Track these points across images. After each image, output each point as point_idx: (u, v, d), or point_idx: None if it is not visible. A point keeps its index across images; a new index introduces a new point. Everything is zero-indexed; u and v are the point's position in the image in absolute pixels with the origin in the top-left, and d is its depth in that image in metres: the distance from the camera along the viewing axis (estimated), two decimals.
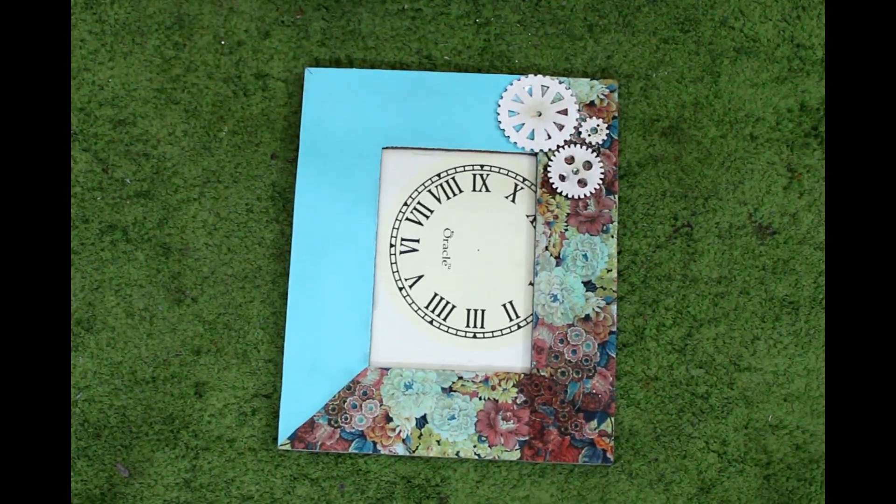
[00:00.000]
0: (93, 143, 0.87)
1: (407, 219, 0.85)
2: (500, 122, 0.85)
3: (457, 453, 0.80)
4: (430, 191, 0.85)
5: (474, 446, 0.80)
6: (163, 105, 0.87)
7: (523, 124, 0.85)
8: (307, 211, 0.84)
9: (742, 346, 0.83)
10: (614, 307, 0.82)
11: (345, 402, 0.80)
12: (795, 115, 0.87)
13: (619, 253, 0.84)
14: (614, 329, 0.81)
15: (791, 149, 0.86)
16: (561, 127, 0.85)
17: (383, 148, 0.85)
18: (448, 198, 0.85)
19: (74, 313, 0.84)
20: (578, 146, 0.84)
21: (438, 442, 0.80)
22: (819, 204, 0.85)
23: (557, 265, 0.82)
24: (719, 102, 0.87)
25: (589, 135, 0.85)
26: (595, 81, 0.86)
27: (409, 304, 0.83)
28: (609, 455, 0.80)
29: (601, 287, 0.82)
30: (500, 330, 0.83)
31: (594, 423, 0.80)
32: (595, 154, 0.84)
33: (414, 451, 0.80)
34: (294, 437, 0.80)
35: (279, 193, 0.86)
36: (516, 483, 0.81)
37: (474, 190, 0.86)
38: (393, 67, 0.88)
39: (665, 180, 0.86)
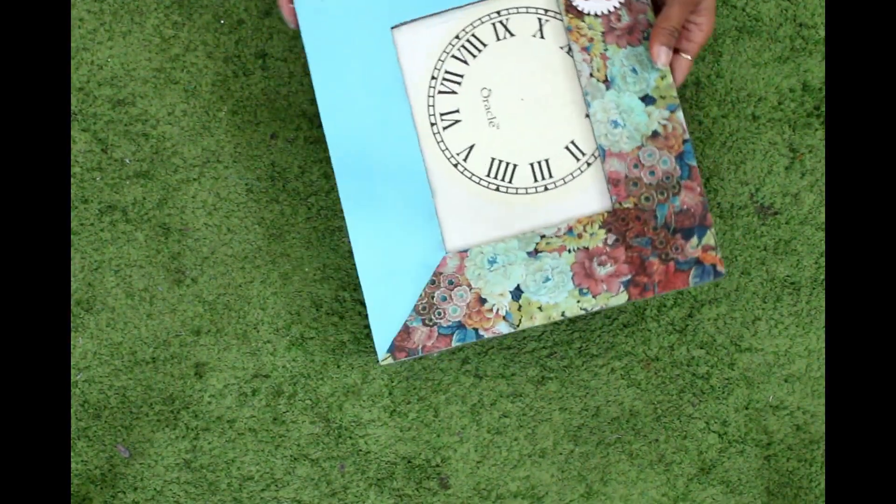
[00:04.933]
0: (92, 123, 0.86)
1: (440, 92, 0.79)
2: None
3: (562, 314, 0.75)
4: (453, 56, 0.79)
5: (577, 301, 0.75)
6: (162, 85, 0.87)
7: None
8: (335, 118, 0.78)
9: (743, 326, 0.83)
10: (680, 114, 0.75)
11: (433, 297, 0.76)
12: (797, 94, 0.86)
13: None
14: (687, 137, 0.75)
15: (793, 129, 0.86)
16: None
17: (392, 28, 0.79)
18: (474, 56, 0.79)
19: (74, 294, 0.84)
20: None
21: (540, 308, 0.75)
22: (821, 184, 0.85)
23: (608, 89, 0.76)
24: (721, 82, 0.86)
25: None
26: None
27: (469, 178, 0.78)
28: (720, 268, 0.74)
29: (660, 97, 0.75)
30: (570, 174, 0.77)
31: (694, 239, 0.74)
32: None
33: (518, 325, 0.75)
34: (393, 349, 0.76)
35: (279, 173, 0.86)
36: (517, 463, 0.82)
37: (498, 40, 0.79)
38: None
39: None
